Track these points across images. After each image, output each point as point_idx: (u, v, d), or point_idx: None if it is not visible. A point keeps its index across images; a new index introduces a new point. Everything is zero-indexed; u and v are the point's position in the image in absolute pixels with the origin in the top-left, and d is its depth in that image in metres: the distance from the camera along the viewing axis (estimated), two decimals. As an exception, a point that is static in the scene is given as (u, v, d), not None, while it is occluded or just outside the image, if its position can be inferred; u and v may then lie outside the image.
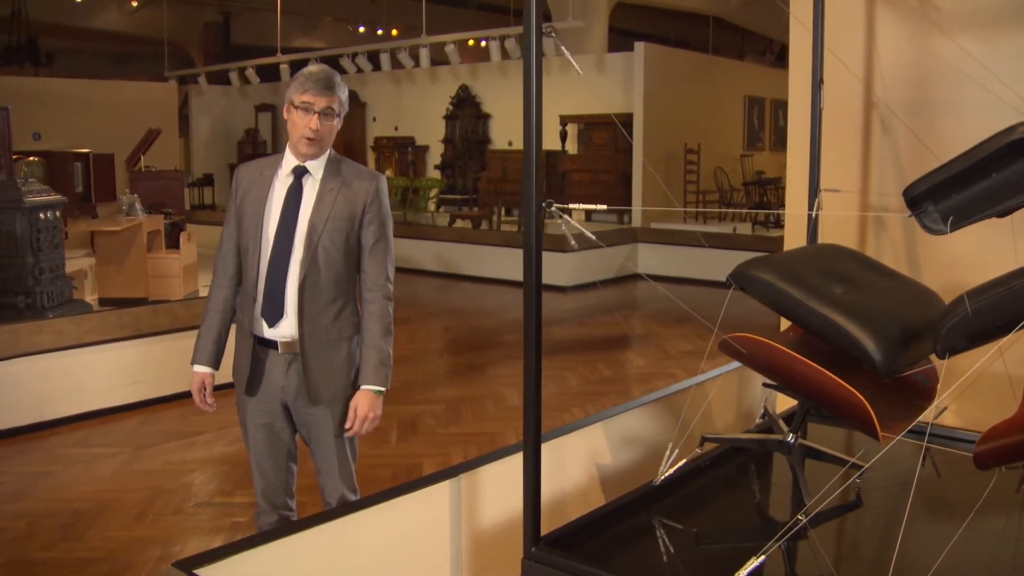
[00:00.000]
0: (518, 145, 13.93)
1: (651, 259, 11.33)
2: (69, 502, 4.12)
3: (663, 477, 2.59)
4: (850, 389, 2.26)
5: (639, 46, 12.20)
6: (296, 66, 14.95)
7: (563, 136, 13.45)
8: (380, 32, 19.51)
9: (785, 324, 3.07)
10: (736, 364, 4.20)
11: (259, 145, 17.83)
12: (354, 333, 2.69)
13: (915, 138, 3.57)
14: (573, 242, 2.20)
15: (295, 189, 2.60)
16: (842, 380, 2.28)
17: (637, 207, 12.12)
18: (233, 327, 2.77)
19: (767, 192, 13.10)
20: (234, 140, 18.15)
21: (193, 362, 2.73)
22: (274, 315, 2.59)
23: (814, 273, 2.48)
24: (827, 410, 2.44)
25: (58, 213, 5.88)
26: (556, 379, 6.41)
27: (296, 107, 2.56)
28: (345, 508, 2.56)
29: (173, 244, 8.11)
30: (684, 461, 2.66)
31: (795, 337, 2.71)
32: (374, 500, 2.58)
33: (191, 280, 7.66)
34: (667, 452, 2.61)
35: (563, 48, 2.11)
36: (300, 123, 2.54)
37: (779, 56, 21.52)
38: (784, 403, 3.39)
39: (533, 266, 2.10)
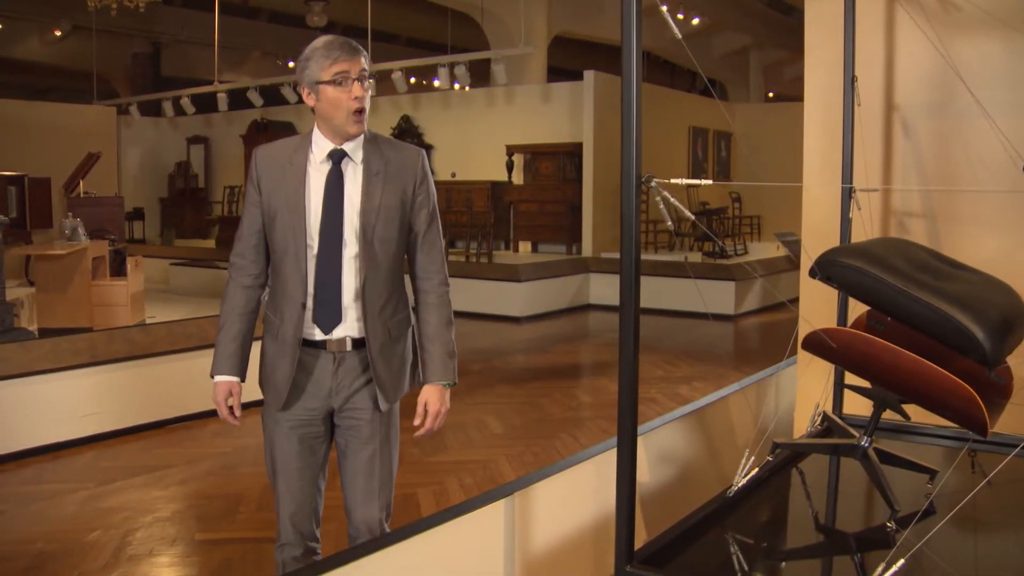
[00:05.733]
0: (461, 176, 13.88)
1: (604, 289, 11.19)
2: (30, 544, 3.68)
3: (738, 487, 2.40)
4: (960, 383, 2.10)
5: (588, 74, 12.12)
6: (234, 95, 14.51)
7: (509, 166, 13.28)
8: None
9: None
10: (755, 378, 4.04)
11: (191, 179, 17.21)
12: (409, 328, 2.45)
13: (936, 140, 3.48)
14: (669, 222, 2.00)
15: (335, 176, 2.31)
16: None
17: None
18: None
19: (712, 222, 13.14)
20: (165, 173, 17.50)
21: (214, 373, 2.40)
22: (331, 321, 2.32)
23: (901, 261, 2.31)
24: (924, 406, 2.27)
25: None
26: (535, 406, 6.16)
27: (328, 83, 2.25)
28: (389, 537, 2.29)
29: (116, 272, 7.66)
30: (757, 469, 2.47)
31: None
32: (420, 527, 2.32)
33: (138, 310, 7.21)
34: (743, 460, 2.41)
35: (664, 10, 1.92)
36: (343, 97, 2.24)
37: (702, 92, 21.93)
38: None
39: (633, 242, 1.89)
